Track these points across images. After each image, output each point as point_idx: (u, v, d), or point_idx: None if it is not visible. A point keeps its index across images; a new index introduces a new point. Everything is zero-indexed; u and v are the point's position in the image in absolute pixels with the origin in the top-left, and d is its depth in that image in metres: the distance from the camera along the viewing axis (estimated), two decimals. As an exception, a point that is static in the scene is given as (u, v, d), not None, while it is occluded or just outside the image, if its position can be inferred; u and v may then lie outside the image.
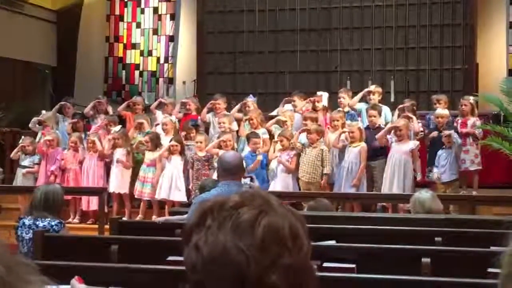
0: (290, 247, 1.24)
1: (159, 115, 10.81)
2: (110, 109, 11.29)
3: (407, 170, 8.85)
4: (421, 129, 9.56)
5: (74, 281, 3.45)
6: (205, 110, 10.53)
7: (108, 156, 9.84)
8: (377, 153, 9.09)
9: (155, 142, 9.61)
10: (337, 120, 9.40)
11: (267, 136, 9.68)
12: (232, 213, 1.26)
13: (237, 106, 10.68)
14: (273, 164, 9.21)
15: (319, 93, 10.49)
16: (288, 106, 10.45)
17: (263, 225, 1.24)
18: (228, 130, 9.57)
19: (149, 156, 9.65)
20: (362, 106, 10.05)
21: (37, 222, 5.43)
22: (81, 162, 9.93)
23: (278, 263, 1.22)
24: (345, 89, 10.80)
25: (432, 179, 9.11)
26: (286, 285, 1.22)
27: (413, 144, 8.97)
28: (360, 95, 10.18)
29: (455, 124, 9.55)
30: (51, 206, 5.54)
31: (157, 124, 10.41)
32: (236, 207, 1.27)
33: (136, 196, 9.67)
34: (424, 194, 5.71)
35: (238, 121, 10.19)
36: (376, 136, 9.03)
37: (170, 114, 10.56)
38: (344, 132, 9.15)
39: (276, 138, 9.39)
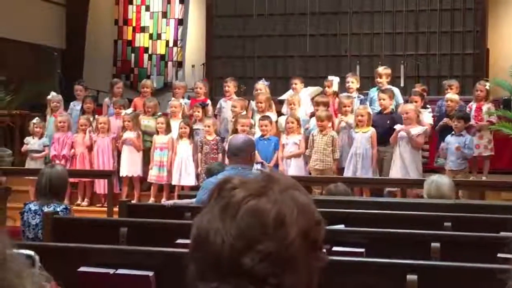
0: (271, 234, 1.21)
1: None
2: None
3: (416, 154, 8.81)
4: (432, 123, 9.48)
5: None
6: None
7: (118, 139, 9.82)
8: (386, 138, 9.03)
9: (169, 126, 9.64)
10: (348, 106, 9.33)
11: (275, 118, 9.61)
12: (228, 194, 1.25)
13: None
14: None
15: (329, 77, 10.35)
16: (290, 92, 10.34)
17: (245, 209, 1.22)
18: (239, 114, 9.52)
19: (161, 139, 9.60)
20: (374, 93, 9.93)
21: (43, 208, 5.38)
22: (88, 146, 9.90)
23: (254, 248, 1.20)
24: (353, 73, 10.65)
25: (441, 165, 9.07)
26: (264, 273, 1.19)
27: (420, 129, 8.88)
28: None
29: (468, 109, 9.48)
30: (57, 190, 5.50)
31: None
32: (232, 189, 1.26)
33: (153, 182, 9.60)
34: (443, 179, 5.69)
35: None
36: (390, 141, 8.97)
37: (183, 98, 10.58)
38: (342, 120, 9.16)
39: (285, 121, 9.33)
